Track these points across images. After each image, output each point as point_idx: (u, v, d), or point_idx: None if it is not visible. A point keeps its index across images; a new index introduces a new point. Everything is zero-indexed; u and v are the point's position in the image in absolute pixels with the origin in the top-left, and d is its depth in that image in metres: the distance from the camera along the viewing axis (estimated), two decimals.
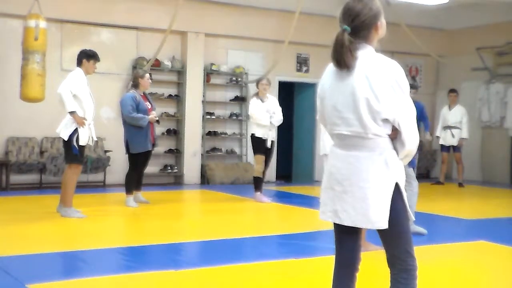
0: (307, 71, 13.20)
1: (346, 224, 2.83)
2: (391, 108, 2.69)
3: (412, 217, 2.88)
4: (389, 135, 2.77)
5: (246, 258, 5.49)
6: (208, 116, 12.13)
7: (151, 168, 10.84)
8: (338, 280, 2.98)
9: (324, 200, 2.92)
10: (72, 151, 7.20)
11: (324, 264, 5.34)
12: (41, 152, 10.47)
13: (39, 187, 10.36)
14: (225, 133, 12.42)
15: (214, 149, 12.24)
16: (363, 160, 2.75)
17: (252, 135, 9.33)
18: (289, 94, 13.61)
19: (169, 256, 5.53)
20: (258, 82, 9.54)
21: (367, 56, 2.76)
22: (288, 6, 11.35)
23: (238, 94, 12.52)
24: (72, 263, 5.27)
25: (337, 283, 2.98)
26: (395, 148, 2.78)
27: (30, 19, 8.16)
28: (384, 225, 2.74)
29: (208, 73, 12.06)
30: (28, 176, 10.38)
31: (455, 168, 12.94)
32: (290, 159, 13.61)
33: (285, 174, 13.25)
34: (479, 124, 13.41)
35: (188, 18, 11.26)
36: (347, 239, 2.94)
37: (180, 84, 11.91)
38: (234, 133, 12.53)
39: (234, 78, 12.40)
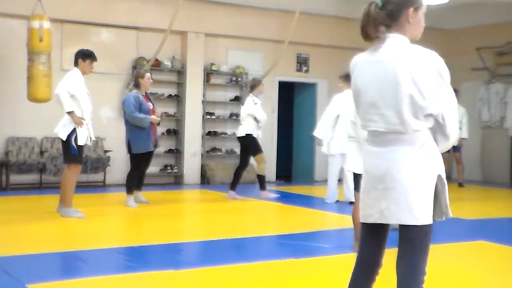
0: (307, 71, 13.20)
1: (391, 223, 2.72)
2: (436, 103, 2.62)
3: (450, 213, 2.78)
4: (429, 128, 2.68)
5: (246, 258, 5.48)
6: (208, 116, 12.14)
7: (151, 168, 10.83)
8: (356, 281, 2.90)
9: (369, 202, 2.78)
10: (70, 151, 7.19)
11: (324, 264, 5.35)
12: (41, 152, 10.47)
13: (39, 187, 10.36)
14: (225, 133, 12.42)
15: (214, 149, 12.24)
16: (403, 154, 2.65)
17: (249, 136, 9.29)
18: (289, 94, 13.62)
19: (169, 256, 5.53)
20: (256, 84, 9.47)
21: (405, 47, 2.68)
22: (288, 6, 11.35)
23: (238, 94, 12.52)
24: (72, 263, 5.27)
25: (355, 284, 2.90)
26: (435, 140, 2.71)
27: (34, 20, 8.16)
28: (428, 220, 2.66)
29: (208, 73, 12.06)
30: (28, 176, 10.38)
31: (455, 168, 12.94)
32: (290, 159, 13.61)
33: (285, 174, 13.25)
34: (479, 124, 13.41)
35: (188, 18, 11.26)
36: (373, 240, 2.85)
37: (180, 84, 11.91)
38: (234, 133, 12.51)
39: (234, 78, 12.40)
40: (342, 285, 4.78)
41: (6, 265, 4.84)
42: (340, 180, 9.25)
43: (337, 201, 9.24)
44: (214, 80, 12.27)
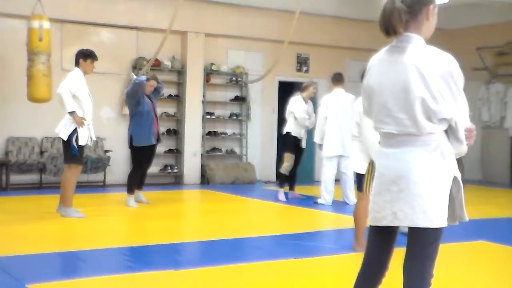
0: (307, 71, 13.20)
1: (404, 225, 2.64)
2: (449, 107, 2.56)
3: (465, 217, 2.72)
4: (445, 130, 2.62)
5: (246, 258, 5.49)
6: (208, 116, 12.14)
7: (151, 168, 10.84)
8: (361, 284, 2.83)
9: (381, 204, 2.69)
10: (71, 151, 7.19)
11: (324, 264, 5.35)
12: (41, 152, 10.47)
13: (39, 187, 10.36)
14: (225, 133, 12.42)
15: (214, 149, 12.24)
16: (417, 155, 2.59)
17: (288, 134, 9.48)
18: (289, 94, 13.58)
19: (169, 256, 5.53)
20: (308, 85, 9.67)
21: (419, 48, 2.61)
22: (288, 6, 11.35)
23: (238, 94, 12.52)
24: (72, 263, 5.27)
25: (360, 286, 2.83)
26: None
27: (33, 20, 8.16)
28: (443, 223, 2.60)
29: (208, 73, 12.06)
30: (28, 176, 10.38)
31: None
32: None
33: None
34: (479, 124, 13.40)
35: (188, 18, 11.26)
36: (382, 243, 2.79)
37: (180, 84, 11.91)
38: (234, 133, 12.53)
39: (234, 78, 12.40)
40: (342, 285, 4.78)
41: (6, 265, 4.84)
42: (337, 180, 9.26)
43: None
44: (214, 80, 12.26)
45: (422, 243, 2.64)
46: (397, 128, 2.62)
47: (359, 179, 5.57)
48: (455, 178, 2.66)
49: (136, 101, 8.22)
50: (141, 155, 8.36)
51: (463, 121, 2.63)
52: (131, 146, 8.35)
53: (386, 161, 2.70)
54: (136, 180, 8.42)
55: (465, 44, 13.69)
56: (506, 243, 6.33)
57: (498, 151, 13.33)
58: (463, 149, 2.68)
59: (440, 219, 2.61)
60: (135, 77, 8.32)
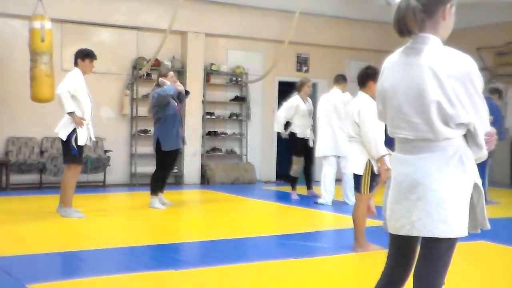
0: (307, 71, 13.20)
1: (423, 235, 2.53)
2: (466, 111, 2.43)
3: (487, 225, 2.63)
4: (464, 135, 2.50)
5: (246, 258, 5.49)
6: (208, 116, 12.14)
7: (151, 168, 10.84)
8: None
9: (400, 212, 2.58)
10: (71, 151, 7.19)
11: (324, 264, 5.35)
12: (41, 152, 10.47)
13: (39, 187, 10.36)
14: (225, 133, 12.42)
15: (214, 149, 12.25)
16: (435, 161, 2.47)
17: (293, 135, 9.52)
18: (289, 94, 13.59)
19: (169, 256, 5.53)
20: (303, 83, 9.71)
21: (435, 49, 2.51)
22: (288, 6, 11.35)
23: (238, 94, 12.52)
24: (72, 263, 5.27)
25: None
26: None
27: (35, 21, 8.15)
28: (464, 232, 2.49)
29: (208, 73, 12.06)
30: (28, 176, 10.38)
31: None
32: (290, 159, 13.59)
33: (285, 174, 13.23)
34: None
35: (188, 18, 11.26)
36: (402, 253, 2.68)
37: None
38: (234, 133, 12.53)
39: (234, 78, 12.40)
40: (342, 285, 4.79)
41: (6, 265, 4.85)
42: (338, 180, 9.28)
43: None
44: (214, 80, 12.26)
45: (438, 251, 2.55)
46: (413, 133, 2.52)
47: (357, 180, 5.56)
48: (475, 185, 2.54)
49: (162, 106, 8.13)
50: (165, 159, 8.27)
51: (483, 126, 2.49)
52: (157, 149, 8.23)
53: (402, 167, 2.58)
54: (159, 182, 8.33)
55: (465, 44, 13.54)
56: (506, 243, 6.33)
57: (498, 151, 13.31)
58: (483, 154, 2.54)
59: (461, 228, 2.50)
60: (167, 82, 8.13)
